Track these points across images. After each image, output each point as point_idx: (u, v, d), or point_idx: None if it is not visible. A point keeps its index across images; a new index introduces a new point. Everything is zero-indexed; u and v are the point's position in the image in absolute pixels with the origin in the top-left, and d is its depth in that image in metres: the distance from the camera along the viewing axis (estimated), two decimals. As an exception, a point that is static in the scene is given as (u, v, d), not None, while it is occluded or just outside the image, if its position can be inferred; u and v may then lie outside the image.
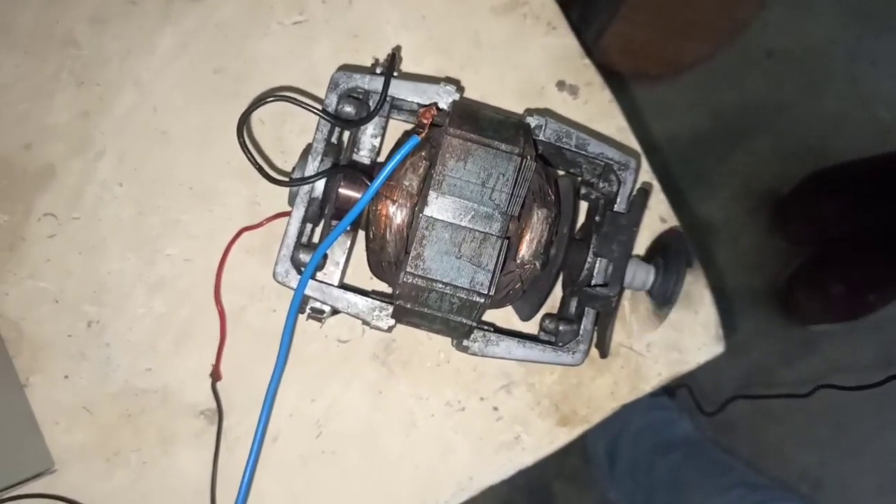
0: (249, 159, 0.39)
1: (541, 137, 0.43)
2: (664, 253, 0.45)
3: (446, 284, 0.39)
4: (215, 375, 0.49)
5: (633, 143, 0.52)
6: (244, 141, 0.39)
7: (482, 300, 0.39)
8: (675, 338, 0.51)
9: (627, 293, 0.50)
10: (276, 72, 0.52)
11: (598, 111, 0.53)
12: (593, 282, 0.43)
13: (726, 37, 1.39)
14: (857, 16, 1.47)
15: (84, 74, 0.51)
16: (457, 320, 0.40)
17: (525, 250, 0.41)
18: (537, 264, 0.41)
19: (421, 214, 0.39)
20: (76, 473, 0.49)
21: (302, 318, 0.45)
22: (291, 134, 0.51)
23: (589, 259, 0.43)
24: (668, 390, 1.30)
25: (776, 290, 1.40)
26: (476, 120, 0.40)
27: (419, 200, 0.40)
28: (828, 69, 1.46)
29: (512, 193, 0.39)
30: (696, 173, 1.42)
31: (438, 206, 0.39)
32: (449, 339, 0.46)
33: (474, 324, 0.41)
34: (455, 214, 0.39)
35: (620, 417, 1.23)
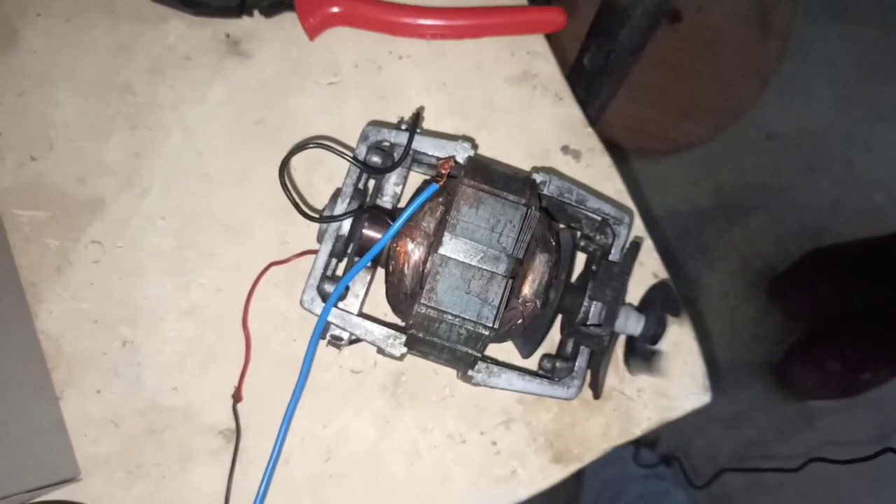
0: (288, 196, 0.44)
1: (545, 192, 0.48)
2: (653, 303, 0.50)
3: (455, 316, 0.43)
4: (237, 397, 0.52)
5: (629, 204, 0.57)
6: (285, 181, 0.44)
7: (487, 332, 0.43)
8: (664, 385, 0.55)
9: (621, 340, 0.54)
10: (310, 125, 0.58)
11: (599, 174, 0.58)
12: (588, 322, 0.47)
13: (727, 119, 1.46)
14: (852, 103, 1.54)
15: (138, 119, 0.57)
16: (463, 350, 0.45)
17: (527, 290, 0.45)
18: (538, 303, 0.45)
19: (436, 253, 0.44)
20: (99, 483, 0.52)
21: (322, 344, 0.49)
22: (319, 181, 0.57)
23: (585, 303, 0.47)
24: (666, 459, 1.32)
25: (773, 364, 1.42)
26: (488, 173, 0.46)
27: (435, 241, 0.45)
28: (824, 153, 1.52)
29: (517, 238, 0.44)
30: (696, 247, 1.47)
31: (452, 247, 0.43)
32: (454, 373, 0.51)
33: (479, 355, 0.45)
34: (466, 254, 0.44)
35: (618, 484, 1.24)
